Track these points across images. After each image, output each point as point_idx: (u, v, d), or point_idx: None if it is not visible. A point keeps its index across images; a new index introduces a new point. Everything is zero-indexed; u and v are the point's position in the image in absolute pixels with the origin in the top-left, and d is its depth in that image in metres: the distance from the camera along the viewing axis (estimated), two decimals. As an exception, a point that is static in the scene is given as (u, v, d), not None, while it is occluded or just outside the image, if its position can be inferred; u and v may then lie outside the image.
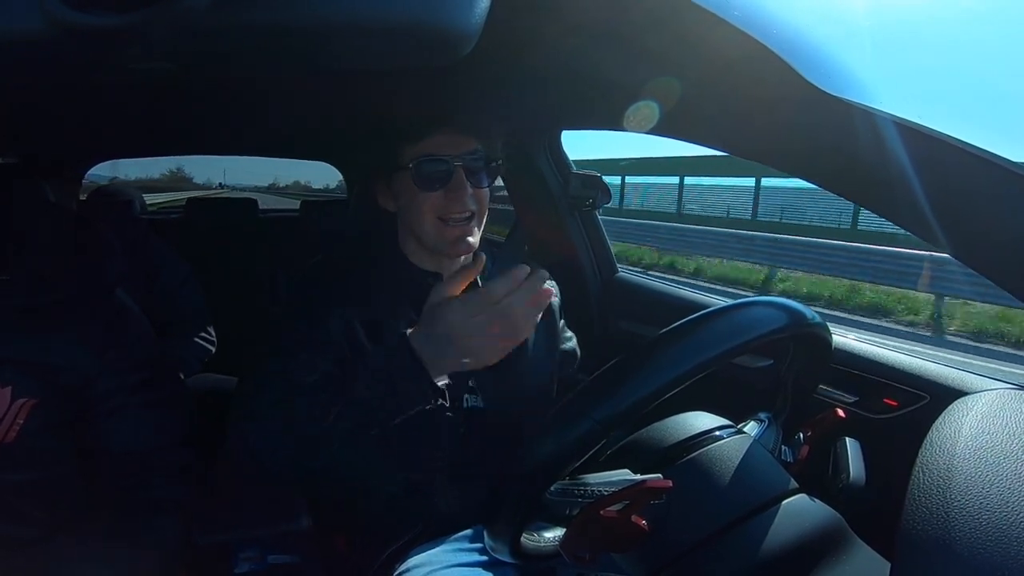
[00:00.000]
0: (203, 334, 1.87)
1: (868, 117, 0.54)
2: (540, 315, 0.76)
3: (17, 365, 0.85)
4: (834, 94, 0.55)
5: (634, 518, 0.57)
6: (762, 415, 0.78)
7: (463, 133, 0.91)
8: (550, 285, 1.14)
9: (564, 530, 0.62)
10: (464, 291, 1.00)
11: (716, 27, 0.54)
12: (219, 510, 1.10)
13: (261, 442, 0.83)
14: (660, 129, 0.94)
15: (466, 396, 0.99)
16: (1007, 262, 0.53)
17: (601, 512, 0.58)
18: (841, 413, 0.75)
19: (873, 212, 0.64)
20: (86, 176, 2.24)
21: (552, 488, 0.61)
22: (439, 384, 0.79)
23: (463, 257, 0.97)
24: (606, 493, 0.60)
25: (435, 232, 0.93)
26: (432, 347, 0.77)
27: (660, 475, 0.62)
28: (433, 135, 0.90)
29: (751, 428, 0.76)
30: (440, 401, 0.80)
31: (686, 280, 9.80)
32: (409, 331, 0.79)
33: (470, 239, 0.93)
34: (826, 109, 0.55)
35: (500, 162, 0.96)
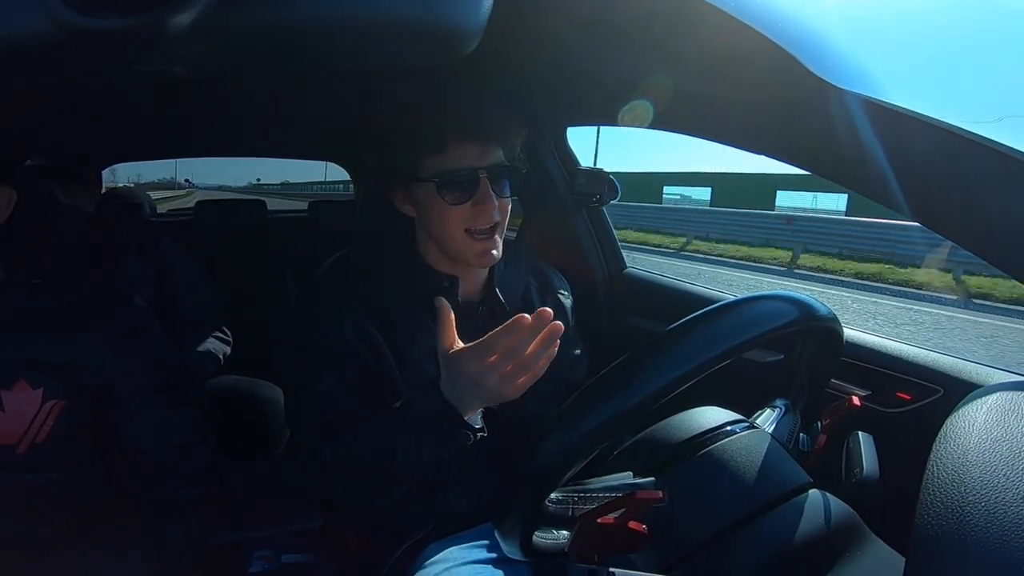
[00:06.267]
0: (218, 334, 1.88)
1: (851, 100, 0.55)
2: (554, 348, 0.75)
3: (45, 367, 0.86)
4: (839, 85, 0.55)
5: (632, 524, 0.57)
6: (779, 403, 0.78)
7: (486, 143, 0.91)
8: (562, 288, 1.15)
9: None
10: (481, 296, 1.01)
11: (717, 19, 0.54)
12: (234, 510, 1.11)
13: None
14: (658, 123, 0.95)
15: None
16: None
17: (598, 520, 0.58)
18: (856, 401, 0.74)
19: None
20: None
21: (551, 496, 0.61)
22: (472, 423, 0.82)
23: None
24: (604, 499, 0.60)
25: (462, 244, 0.93)
26: (459, 393, 0.79)
27: (653, 479, 0.62)
28: (456, 145, 0.89)
29: (767, 416, 0.76)
30: (477, 436, 0.84)
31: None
32: (438, 380, 0.82)
33: (494, 252, 0.93)
34: (831, 99, 0.55)
35: (521, 168, 0.95)
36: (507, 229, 0.96)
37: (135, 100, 1.18)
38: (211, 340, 1.84)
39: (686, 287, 1.47)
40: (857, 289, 8.62)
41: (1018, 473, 0.40)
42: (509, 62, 0.91)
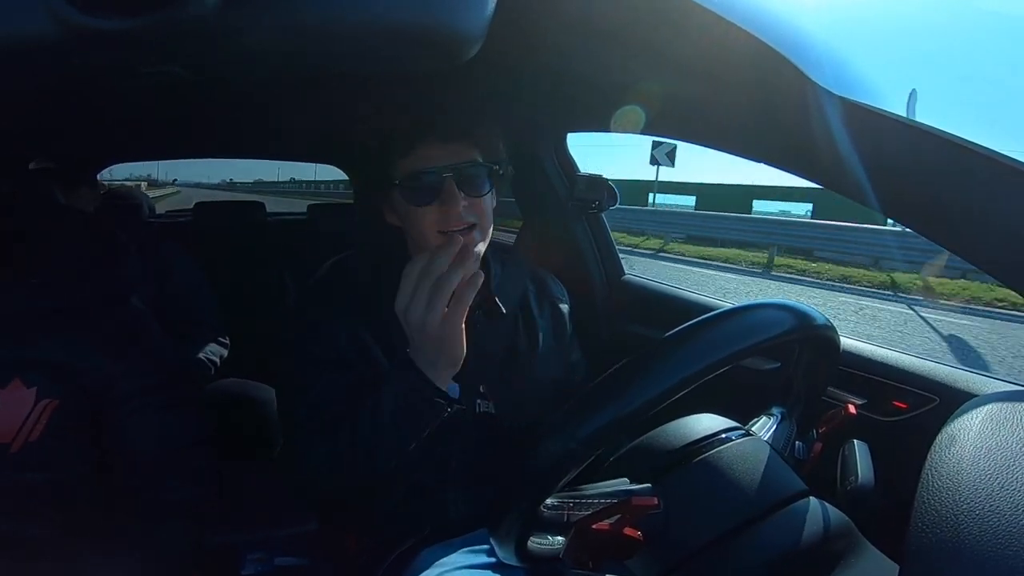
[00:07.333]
0: (218, 337, 1.88)
1: (836, 102, 0.57)
2: (470, 272, 0.80)
3: (41, 367, 0.86)
4: (830, 88, 0.55)
5: (627, 531, 0.57)
6: (775, 410, 0.78)
7: (453, 141, 0.89)
8: (559, 294, 1.15)
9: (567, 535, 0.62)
10: (477, 301, 1.02)
11: (714, 23, 0.55)
12: (229, 511, 1.11)
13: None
14: (650, 129, 0.96)
15: (478, 401, 0.99)
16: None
17: (594, 526, 0.57)
18: (852, 409, 0.75)
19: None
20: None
21: (547, 501, 0.61)
22: (447, 391, 0.84)
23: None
24: (599, 505, 0.60)
25: (439, 244, 0.91)
26: (422, 356, 0.82)
27: (649, 486, 0.62)
28: (421, 146, 0.88)
29: (763, 424, 0.76)
30: (457, 406, 0.85)
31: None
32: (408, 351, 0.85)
33: (476, 249, 0.90)
34: (816, 100, 0.56)
35: (502, 167, 0.93)
36: (506, 232, 0.95)
37: (134, 101, 1.18)
38: (209, 343, 1.84)
39: (684, 294, 1.47)
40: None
41: (1013, 482, 0.40)
42: (508, 67, 0.91)
